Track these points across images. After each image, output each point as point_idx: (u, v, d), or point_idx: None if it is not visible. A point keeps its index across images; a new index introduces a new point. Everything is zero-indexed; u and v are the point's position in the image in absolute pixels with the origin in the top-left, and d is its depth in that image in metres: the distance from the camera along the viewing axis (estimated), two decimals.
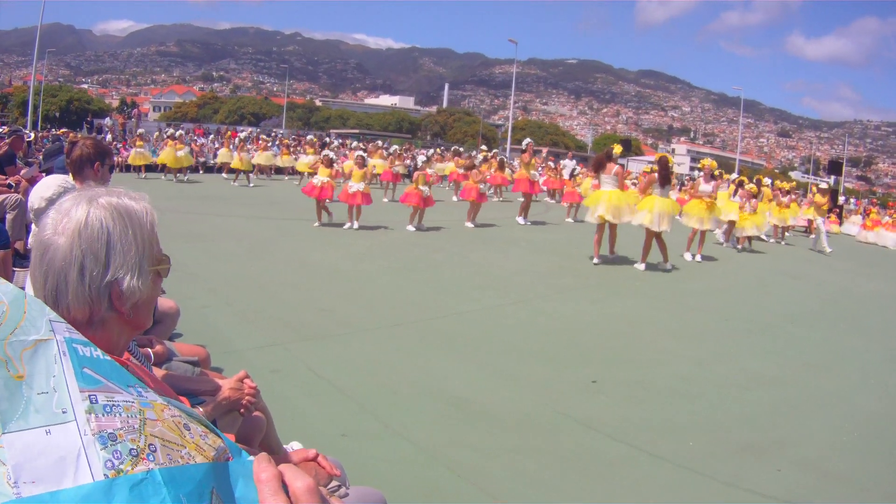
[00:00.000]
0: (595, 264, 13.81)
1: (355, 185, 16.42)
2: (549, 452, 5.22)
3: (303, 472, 1.30)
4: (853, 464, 5.50)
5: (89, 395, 1.27)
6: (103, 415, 1.26)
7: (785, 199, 23.69)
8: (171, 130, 37.74)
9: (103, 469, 1.19)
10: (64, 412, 1.24)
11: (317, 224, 16.15)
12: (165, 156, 29.57)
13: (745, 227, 19.03)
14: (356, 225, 16.44)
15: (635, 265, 13.99)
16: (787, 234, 25.30)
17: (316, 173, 16.91)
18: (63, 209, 1.65)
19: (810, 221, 26.63)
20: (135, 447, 1.22)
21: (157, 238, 1.79)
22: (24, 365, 1.25)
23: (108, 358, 1.38)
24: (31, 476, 1.16)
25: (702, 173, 17.33)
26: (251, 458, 1.40)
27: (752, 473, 5.14)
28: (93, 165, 5.02)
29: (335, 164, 17.30)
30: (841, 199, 41.40)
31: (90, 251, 1.61)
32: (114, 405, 1.28)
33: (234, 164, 29.16)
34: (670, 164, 14.15)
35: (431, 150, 29.36)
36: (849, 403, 7.10)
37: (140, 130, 34.35)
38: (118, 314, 1.68)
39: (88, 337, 1.39)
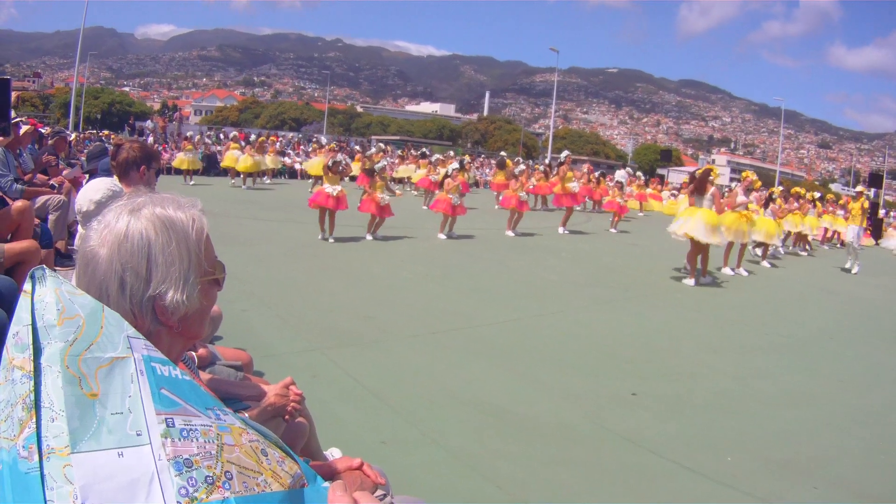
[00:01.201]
0: (692, 286, 13.63)
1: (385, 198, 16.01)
2: (588, 464, 5.20)
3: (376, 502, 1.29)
4: (889, 484, 5.46)
5: (166, 419, 1.27)
6: (180, 439, 1.25)
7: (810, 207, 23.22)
8: (234, 133, 37.64)
9: (176, 496, 1.19)
10: (138, 434, 1.23)
11: (321, 237, 15.28)
12: (229, 159, 29.50)
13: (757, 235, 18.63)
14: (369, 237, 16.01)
15: (684, 281, 13.86)
16: (807, 245, 25.04)
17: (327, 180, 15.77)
18: (106, 220, 1.62)
19: (826, 230, 26.43)
20: (211, 474, 1.23)
21: (208, 246, 1.74)
22: (99, 383, 1.24)
23: (188, 378, 1.38)
24: (98, 499, 1.15)
25: (739, 184, 17.09)
26: (326, 484, 1.40)
27: (789, 492, 5.12)
28: (139, 169, 5.03)
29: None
30: (881, 212, 40.98)
31: (130, 265, 1.56)
32: (191, 429, 1.28)
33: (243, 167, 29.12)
34: (711, 176, 13.97)
35: (465, 158, 29.08)
36: (885, 422, 7.03)
37: (189, 133, 34.19)
38: (166, 327, 1.64)
39: None
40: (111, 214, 1.63)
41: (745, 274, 16.05)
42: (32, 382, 1.22)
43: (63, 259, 8.93)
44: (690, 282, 13.71)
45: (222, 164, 31.54)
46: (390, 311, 9.40)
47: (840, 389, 8.00)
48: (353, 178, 27.47)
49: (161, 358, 1.37)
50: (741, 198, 15.69)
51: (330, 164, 15.73)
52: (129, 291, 1.56)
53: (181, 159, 29.82)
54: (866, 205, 19.59)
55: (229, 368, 3.84)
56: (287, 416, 3.03)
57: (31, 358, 1.23)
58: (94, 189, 4.85)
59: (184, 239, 1.64)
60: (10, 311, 4.27)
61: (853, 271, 18.58)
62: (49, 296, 1.31)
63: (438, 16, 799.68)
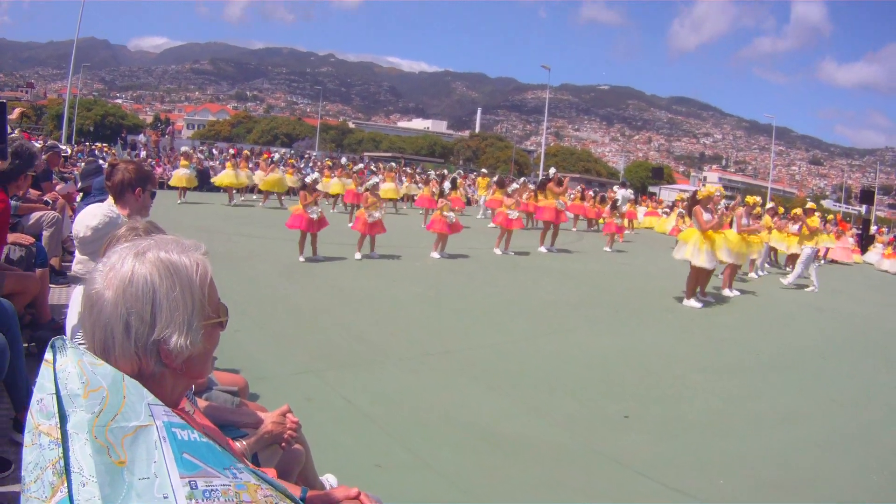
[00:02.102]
0: (699, 308, 13.60)
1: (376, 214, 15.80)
2: (580, 488, 5.24)
3: None
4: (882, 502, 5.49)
5: (189, 481, 1.36)
6: (203, 500, 1.34)
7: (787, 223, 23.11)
8: (232, 150, 37.60)
9: None
10: (165, 497, 1.32)
11: (302, 259, 14.85)
12: (226, 177, 29.44)
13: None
14: (358, 255, 15.79)
15: (684, 302, 13.82)
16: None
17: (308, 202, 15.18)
18: (111, 262, 1.65)
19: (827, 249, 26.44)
20: None
21: (212, 290, 1.77)
22: (126, 451, 1.33)
23: (205, 440, 1.46)
24: None
25: (743, 208, 17.03)
26: None
27: None
28: (134, 191, 5.01)
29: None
30: (873, 228, 41.06)
31: (134, 309, 1.60)
32: (212, 490, 1.37)
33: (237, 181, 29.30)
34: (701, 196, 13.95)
35: (455, 176, 29.01)
36: (876, 441, 7.06)
37: (184, 148, 33.69)
38: (170, 369, 1.68)
39: None
40: (116, 256, 1.66)
41: (736, 294, 16.09)
42: (61, 449, 1.31)
43: (57, 276, 8.93)
44: (692, 303, 13.71)
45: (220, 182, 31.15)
46: (384, 331, 9.42)
47: (832, 408, 8.05)
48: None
49: (180, 423, 1.45)
50: (744, 220, 15.65)
51: (308, 181, 15.61)
52: (134, 335, 1.60)
53: (178, 177, 29.01)
54: (816, 222, 19.51)
55: (226, 394, 3.86)
56: (284, 444, 3.07)
57: (58, 425, 1.33)
58: (91, 215, 4.86)
59: (188, 285, 1.68)
60: (6, 334, 4.29)
61: (808, 289, 18.46)
62: (71, 366, 1.41)
63: (430, 32, 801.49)
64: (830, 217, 30.17)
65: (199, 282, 1.71)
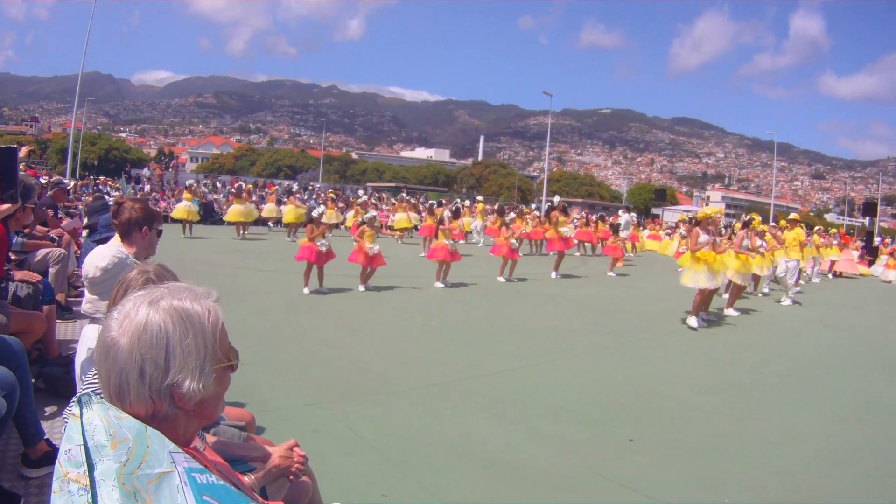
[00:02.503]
0: (695, 328, 13.51)
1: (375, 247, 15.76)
2: None
3: None
4: None
5: None
6: None
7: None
8: (237, 184, 37.78)
9: None
10: None
11: (307, 291, 14.83)
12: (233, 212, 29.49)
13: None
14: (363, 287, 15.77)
15: (687, 321, 13.76)
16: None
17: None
18: (125, 309, 1.73)
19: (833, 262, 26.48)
20: None
21: (223, 335, 1.85)
22: (151, 495, 1.49)
23: (222, 482, 1.63)
24: None
25: (748, 229, 17.01)
26: None
27: None
28: (140, 229, 5.05)
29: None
30: (877, 239, 41.00)
31: (149, 355, 1.67)
32: None
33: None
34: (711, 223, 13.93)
35: (456, 205, 29.05)
36: (883, 455, 7.05)
37: (189, 181, 33.56)
38: (183, 411, 1.76)
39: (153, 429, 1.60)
40: (131, 304, 1.74)
41: (737, 314, 16.11)
42: (90, 495, 1.46)
43: (63, 312, 8.99)
44: (691, 321, 13.63)
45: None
46: (389, 362, 9.43)
47: (837, 424, 8.06)
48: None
49: (199, 468, 1.61)
50: (746, 241, 15.64)
51: (314, 214, 15.55)
52: (148, 380, 1.68)
53: (180, 209, 28.92)
54: (803, 237, 19.52)
55: (233, 428, 3.90)
56: (292, 477, 3.13)
57: (87, 473, 1.48)
58: (100, 256, 4.91)
59: (200, 331, 1.76)
60: (15, 371, 4.37)
61: (783, 303, 18.36)
62: (97, 420, 1.55)
63: (432, 61, 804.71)
64: (833, 230, 30.07)
65: (210, 328, 1.79)
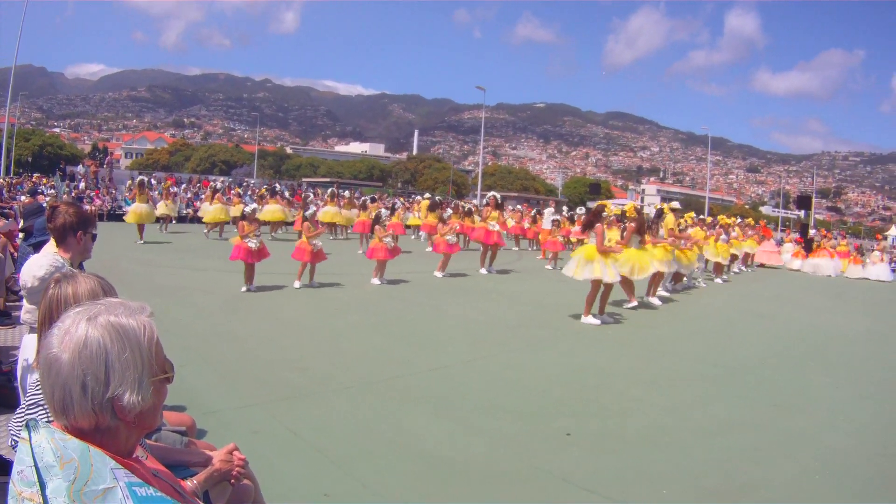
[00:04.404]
0: (597, 324, 13.33)
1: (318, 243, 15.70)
2: None
3: None
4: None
5: None
6: None
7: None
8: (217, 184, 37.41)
9: None
10: None
11: (245, 289, 14.68)
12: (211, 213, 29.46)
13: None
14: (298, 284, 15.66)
15: (582, 319, 13.53)
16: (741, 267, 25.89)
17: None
18: (65, 326, 1.80)
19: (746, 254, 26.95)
20: None
21: (159, 349, 1.93)
22: None
23: (159, 494, 1.77)
24: None
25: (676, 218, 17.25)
26: None
27: None
28: (75, 234, 5.05)
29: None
30: (812, 231, 41.70)
31: (90, 370, 1.74)
32: None
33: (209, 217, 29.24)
34: (603, 212, 13.85)
35: (397, 203, 28.96)
36: (818, 443, 7.19)
37: (141, 177, 32.03)
38: (124, 422, 1.82)
39: (98, 443, 1.73)
40: (70, 320, 1.81)
41: (659, 303, 16.39)
42: None
43: (2, 317, 8.87)
44: (590, 320, 13.45)
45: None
46: (327, 361, 9.41)
47: (773, 414, 8.18)
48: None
49: (138, 482, 1.74)
50: (662, 232, 15.68)
51: (247, 212, 15.44)
52: (90, 394, 1.75)
53: (137, 213, 25.89)
54: (703, 234, 19.86)
55: (175, 434, 3.90)
56: (233, 481, 3.15)
57: (39, 492, 1.61)
58: (37, 265, 4.87)
59: (137, 346, 1.83)
60: None
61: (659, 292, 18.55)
62: (45, 443, 1.68)
63: (367, 54, 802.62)
64: (750, 221, 30.50)
65: (146, 343, 1.87)
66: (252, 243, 14.55)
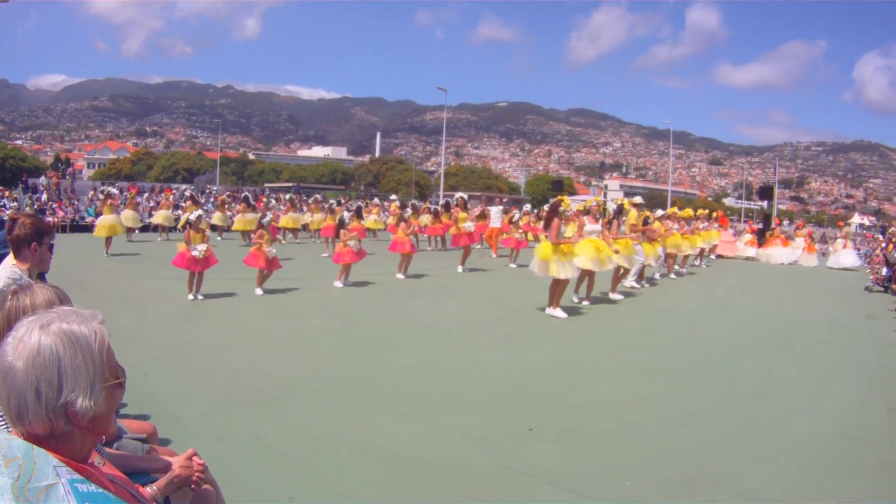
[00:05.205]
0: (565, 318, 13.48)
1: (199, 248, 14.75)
2: (489, 503, 5.35)
3: None
4: (789, 489, 5.70)
5: None
6: None
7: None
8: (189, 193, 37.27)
9: None
10: None
11: (191, 297, 14.51)
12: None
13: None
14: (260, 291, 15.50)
15: (547, 311, 13.82)
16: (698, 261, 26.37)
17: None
18: (18, 335, 1.84)
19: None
20: None
21: (110, 355, 1.96)
22: None
23: (100, 490, 1.81)
24: None
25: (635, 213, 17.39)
26: None
27: None
28: (30, 245, 5.02)
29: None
30: (773, 222, 41.94)
31: (44, 377, 1.78)
32: None
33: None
34: (560, 207, 13.81)
35: (359, 205, 28.91)
36: (783, 429, 7.29)
37: (109, 189, 31.24)
38: (78, 428, 1.85)
39: (52, 448, 1.78)
40: (24, 329, 1.85)
41: (621, 298, 16.54)
42: None
43: None
44: (555, 312, 13.64)
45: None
46: (290, 366, 9.39)
47: (737, 402, 8.29)
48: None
49: (79, 478, 1.77)
50: (588, 227, 15.56)
51: (192, 219, 15.19)
52: (44, 400, 1.78)
53: (105, 225, 24.56)
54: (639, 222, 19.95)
55: (136, 442, 3.90)
56: (193, 486, 3.17)
57: None
58: None
59: (88, 352, 1.86)
60: None
61: (629, 284, 18.67)
62: None
63: (328, 58, 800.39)
64: (703, 212, 30.41)
65: (97, 349, 1.90)
66: (196, 252, 14.41)
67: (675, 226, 21.92)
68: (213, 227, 27.24)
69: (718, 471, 6.06)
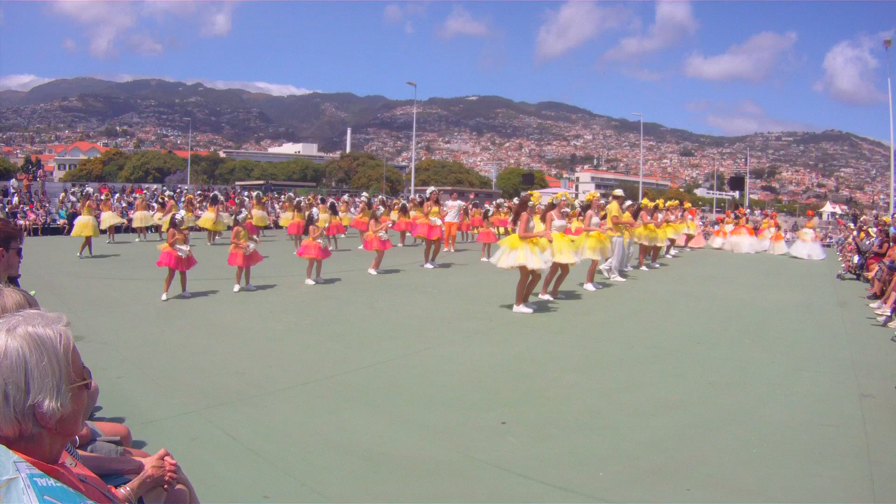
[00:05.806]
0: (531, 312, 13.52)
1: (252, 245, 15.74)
2: (462, 497, 5.35)
3: None
4: (762, 476, 5.74)
5: None
6: None
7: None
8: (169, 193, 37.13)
9: None
10: None
11: (165, 297, 14.40)
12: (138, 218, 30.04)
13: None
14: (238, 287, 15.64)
15: (514, 309, 13.77)
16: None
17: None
18: None
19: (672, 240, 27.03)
20: None
21: (76, 357, 2.00)
22: (2, 498, 1.71)
23: (60, 484, 1.83)
24: None
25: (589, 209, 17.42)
26: None
27: (661, 496, 5.35)
28: None
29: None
30: (746, 211, 42.15)
31: (11, 379, 1.81)
32: None
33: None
34: (529, 202, 13.83)
35: (332, 201, 28.93)
36: (755, 417, 7.36)
37: (88, 189, 30.94)
38: (47, 429, 1.89)
39: (22, 450, 1.81)
40: None
41: (598, 288, 16.72)
42: None
43: None
44: (522, 308, 13.66)
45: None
46: (263, 364, 9.38)
47: (709, 392, 8.36)
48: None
49: (39, 473, 1.81)
50: (556, 222, 15.59)
51: (178, 219, 15.15)
52: (12, 402, 1.82)
53: (83, 225, 23.92)
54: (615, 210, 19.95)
55: (109, 444, 3.92)
56: (166, 486, 3.20)
57: None
58: None
59: (54, 354, 1.90)
60: None
61: (609, 276, 18.86)
62: None
63: (297, 54, 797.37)
64: (673, 203, 30.30)
65: (62, 351, 1.93)
66: (181, 251, 14.42)
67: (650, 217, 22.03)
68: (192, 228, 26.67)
69: (691, 459, 6.11)
